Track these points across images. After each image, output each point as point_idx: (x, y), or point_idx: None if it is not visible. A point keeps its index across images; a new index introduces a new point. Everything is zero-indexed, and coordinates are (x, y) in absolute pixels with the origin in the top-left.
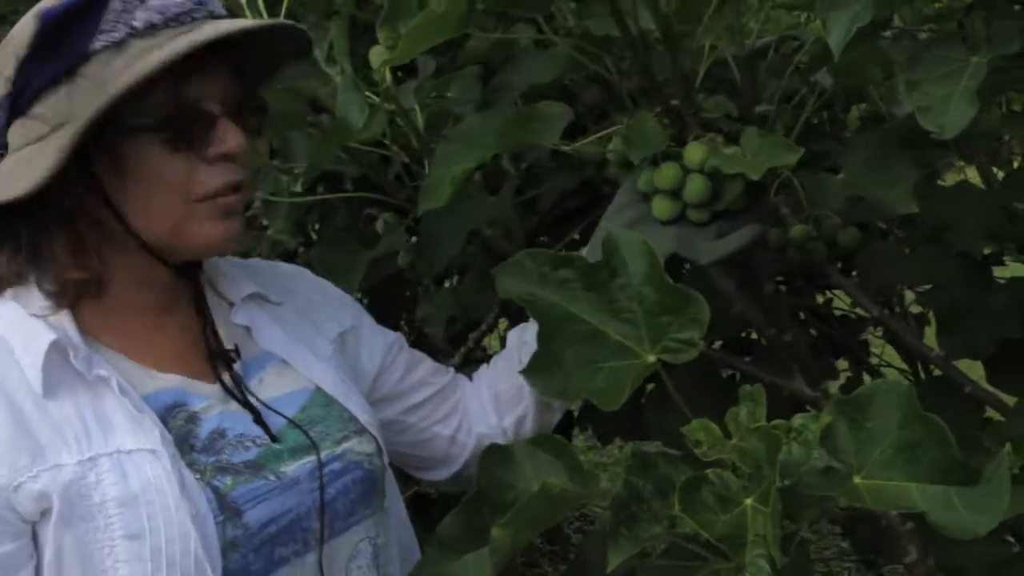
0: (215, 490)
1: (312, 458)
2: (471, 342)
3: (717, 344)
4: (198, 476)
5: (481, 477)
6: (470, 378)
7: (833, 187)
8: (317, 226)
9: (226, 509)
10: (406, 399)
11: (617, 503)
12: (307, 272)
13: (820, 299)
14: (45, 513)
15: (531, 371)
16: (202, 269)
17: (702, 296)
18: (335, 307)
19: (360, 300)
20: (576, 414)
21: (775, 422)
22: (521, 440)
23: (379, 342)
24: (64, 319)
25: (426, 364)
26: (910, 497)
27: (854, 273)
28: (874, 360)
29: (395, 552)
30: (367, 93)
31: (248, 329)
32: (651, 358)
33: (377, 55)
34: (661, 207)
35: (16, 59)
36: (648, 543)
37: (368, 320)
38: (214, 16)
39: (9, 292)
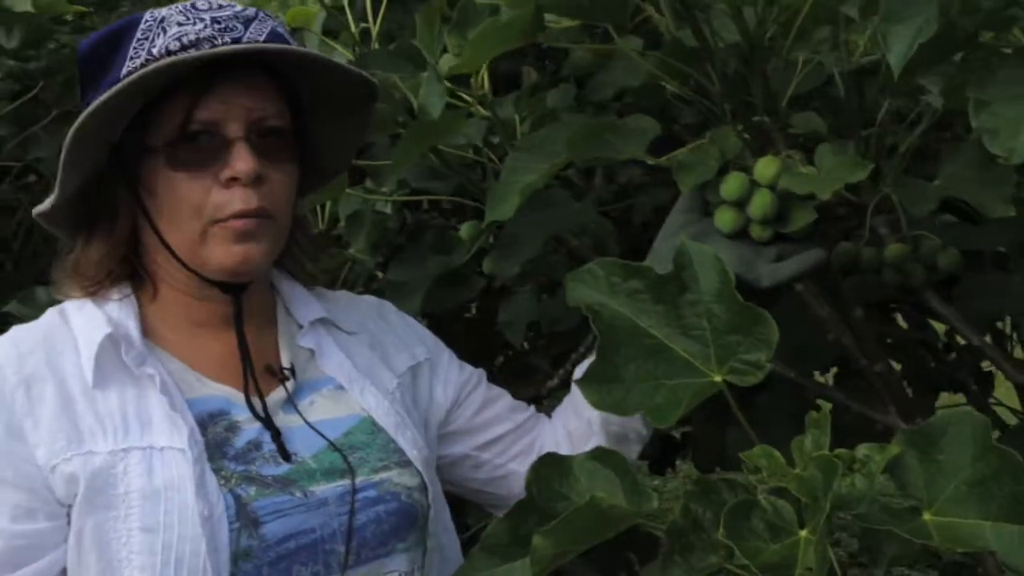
0: (236, 497)
1: (346, 482)
2: (570, 364)
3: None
4: (222, 482)
5: (532, 485)
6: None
7: (927, 191)
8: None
9: (243, 517)
10: (481, 434)
11: (674, 529)
12: (387, 306)
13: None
14: (75, 496)
15: (587, 382)
16: (245, 289)
17: (771, 316)
18: (411, 340)
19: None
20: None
21: (838, 451)
22: (582, 455)
23: (455, 376)
24: (130, 316)
25: (504, 400)
26: (983, 536)
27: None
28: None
29: None
30: (465, 100)
31: (312, 352)
32: (717, 378)
33: (447, 62)
34: (723, 218)
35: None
36: (702, 573)
37: (448, 355)
38: (237, 41)
39: (86, 289)
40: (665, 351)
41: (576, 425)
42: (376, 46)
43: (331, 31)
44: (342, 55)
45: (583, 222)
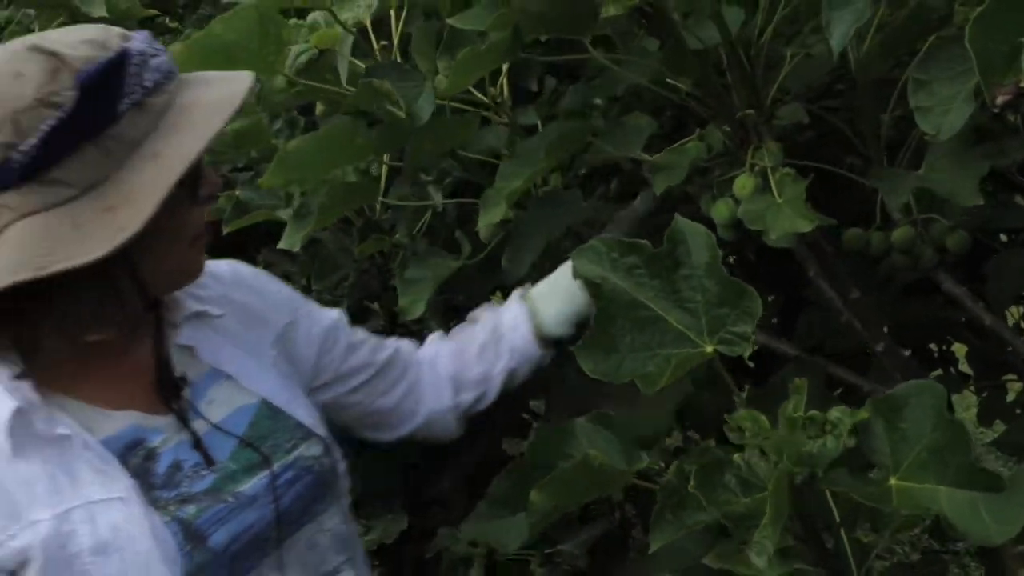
0: (180, 521)
1: (265, 472)
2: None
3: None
4: (162, 511)
5: (535, 444)
6: (423, 341)
7: (905, 181)
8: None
9: (192, 538)
10: (346, 382)
11: (667, 488)
12: (242, 270)
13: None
14: (25, 563)
15: (584, 350)
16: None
17: (755, 291)
18: (271, 307)
19: None
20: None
21: (811, 413)
22: (583, 418)
23: (317, 331)
24: (21, 376)
25: (366, 346)
26: (937, 501)
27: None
28: None
29: (355, 526)
30: (485, 110)
31: (192, 348)
32: (709, 348)
33: (440, 83)
34: (724, 231)
35: (16, 124)
36: (692, 529)
37: (306, 308)
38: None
39: None
40: (660, 322)
41: (477, 372)
42: (397, 58)
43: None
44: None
45: (593, 218)
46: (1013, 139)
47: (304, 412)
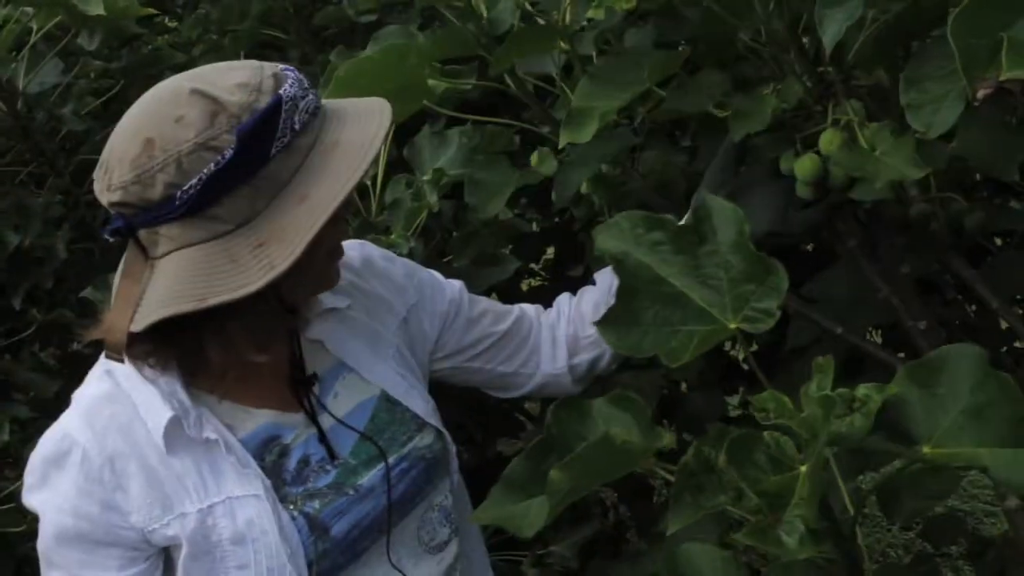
0: (307, 516)
1: (381, 465)
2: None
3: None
4: (292, 507)
5: (552, 426)
6: (550, 304)
7: (939, 151)
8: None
9: (316, 529)
10: (467, 353)
11: (685, 469)
12: (371, 253)
13: None
14: (174, 547)
15: (607, 324)
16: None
17: (782, 266)
18: (397, 290)
19: None
20: None
21: (838, 390)
22: (601, 399)
23: (440, 307)
24: (175, 382)
25: (487, 317)
26: (979, 459)
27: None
28: None
29: (463, 498)
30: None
31: (321, 342)
32: (732, 325)
33: None
34: (804, 189)
35: (179, 166)
36: (710, 511)
37: (429, 285)
38: (319, 100)
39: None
40: (683, 299)
41: (590, 333)
42: None
43: None
44: None
45: (645, 162)
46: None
47: (420, 402)
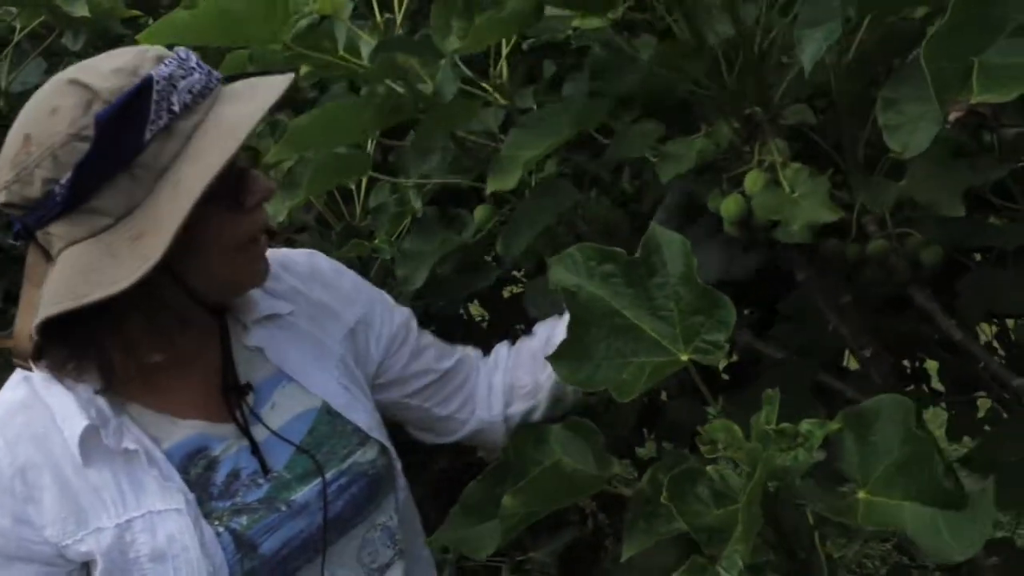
0: (232, 532)
1: (318, 480)
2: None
3: None
4: (217, 523)
5: (509, 451)
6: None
7: (888, 191)
8: None
9: (243, 546)
10: (407, 385)
11: (639, 496)
12: (320, 262)
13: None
14: (89, 564)
15: (559, 358)
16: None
17: (729, 300)
18: (345, 301)
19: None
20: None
21: (782, 425)
22: (558, 425)
23: (387, 330)
24: (92, 387)
25: (431, 351)
26: (902, 517)
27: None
28: None
29: (410, 517)
30: (484, 89)
31: (261, 350)
32: (684, 356)
33: (451, 44)
34: (730, 228)
35: (55, 159)
36: (665, 537)
37: (380, 305)
38: (218, 80)
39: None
40: (635, 331)
41: (527, 383)
42: (400, 31)
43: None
44: (368, 43)
45: (591, 209)
46: (986, 159)
47: (363, 415)
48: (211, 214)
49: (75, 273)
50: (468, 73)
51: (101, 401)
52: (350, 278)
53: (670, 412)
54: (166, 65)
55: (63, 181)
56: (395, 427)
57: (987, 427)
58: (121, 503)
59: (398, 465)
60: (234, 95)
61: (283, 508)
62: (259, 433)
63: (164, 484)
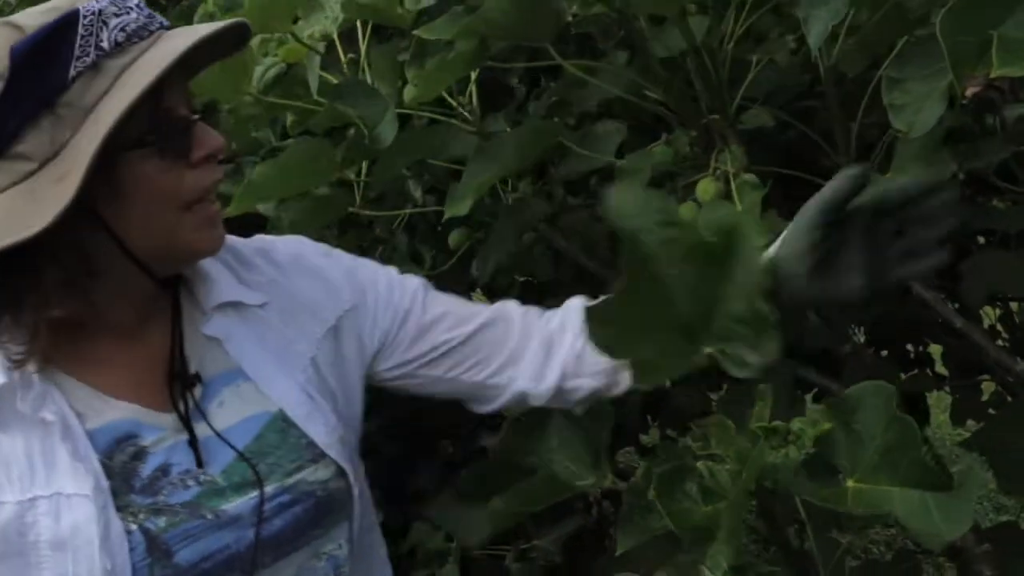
0: (146, 532)
1: (255, 493)
2: None
3: None
4: (131, 518)
5: (505, 440)
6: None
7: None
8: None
9: (155, 550)
10: (419, 361)
11: (632, 490)
12: (306, 250)
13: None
14: None
15: (594, 315)
16: (184, 278)
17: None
18: (330, 292)
19: None
20: None
21: (774, 423)
22: (558, 415)
23: (383, 318)
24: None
25: (444, 322)
26: (891, 501)
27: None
28: None
29: (367, 549)
30: (451, 116)
31: (220, 341)
32: (708, 351)
33: (409, 93)
34: None
35: None
36: (658, 532)
37: (374, 294)
38: (163, 26)
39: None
40: (674, 311)
41: (601, 363)
42: (364, 75)
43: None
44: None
45: (568, 224)
46: (989, 141)
47: (323, 429)
48: (143, 160)
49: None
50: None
51: (30, 366)
52: (341, 266)
53: (672, 400)
54: (97, 2)
55: None
56: None
57: (991, 411)
58: (29, 477)
59: (356, 490)
60: (173, 36)
61: (209, 516)
62: (200, 431)
63: (75, 464)
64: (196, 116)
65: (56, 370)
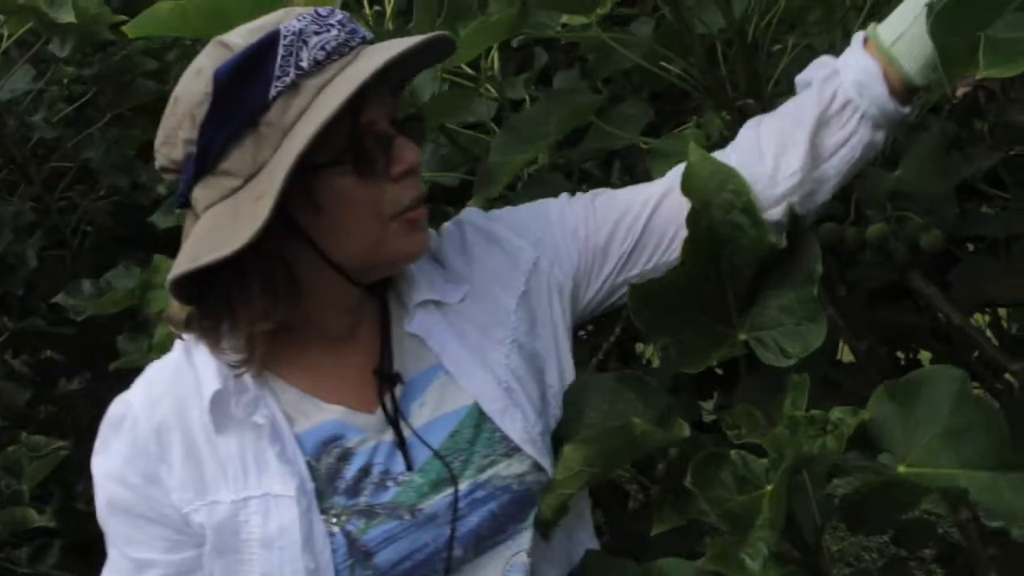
0: (347, 535)
1: (451, 490)
2: (602, 354)
3: None
4: (334, 521)
5: (566, 409)
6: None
7: (883, 181)
8: None
9: (355, 552)
10: (619, 271)
11: (667, 473)
12: (478, 219)
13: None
14: (206, 539)
15: (637, 292)
16: (392, 280)
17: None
18: (510, 256)
19: None
20: None
21: (812, 412)
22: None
23: (567, 249)
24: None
25: (622, 223)
26: (956, 481)
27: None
28: None
29: (562, 554)
30: (474, 80)
31: (422, 338)
32: (742, 337)
33: None
34: None
35: (192, 119)
36: (692, 516)
37: (549, 230)
38: (366, 40)
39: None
40: (719, 293)
41: (792, 156)
42: (390, 25)
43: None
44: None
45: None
46: (979, 147)
47: (517, 427)
48: (341, 176)
49: (202, 235)
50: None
51: (247, 373)
52: (512, 221)
53: None
54: (299, 20)
55: (197, 140)
56: None
57: None
58: (243, 478)
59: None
60: (373, 51)
61: (407, 517)
62: (403, 430)
63: (282, 466)
64: (396, 130)
65: (269, 374)
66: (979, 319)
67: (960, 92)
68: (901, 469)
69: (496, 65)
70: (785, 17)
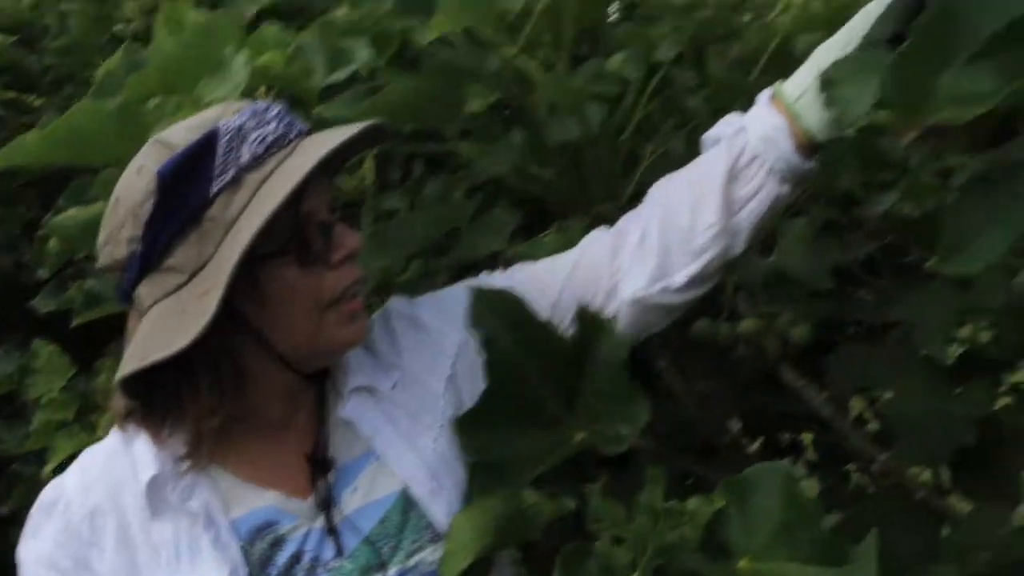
0: None
1: (380, 575)
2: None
3: None
4: None
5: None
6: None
7: (759, 267)
8: None
9: None
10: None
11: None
12: (402, 307)
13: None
14: None
15: (463, 424)
16: (328, 368)
17: (646, 401)
18: (435, 341)
19: None
20: None
21: (668, 503)
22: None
23: None
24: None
25: (534, 288)
26: None
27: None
28: None
29: None
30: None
31: (353, 424)
32: (578, 436)
33: None
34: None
35: (136, 218)
36: None
37: (464, 309)
38: (302, 133)
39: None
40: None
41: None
42: None
43: None
44: None
45: None
46: (856, 234)
47: (444, 512)
48: (284, 267)
49: (150, 332)
50: None
51: (184, 459)
52: (438, 305)
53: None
54: (237, 116)
55: (140, 237)
56: None
57: (857, 499)
58: (175, 564)
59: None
60: (310, 143)
61: None
62: (333, 516)
63: (215, 552)
64: (335, 217)
65: (210, 463)
66: (859, 402)
67: (907, 140)
68: (743, 565)
69: (371, 177)
70: (642, 126)
